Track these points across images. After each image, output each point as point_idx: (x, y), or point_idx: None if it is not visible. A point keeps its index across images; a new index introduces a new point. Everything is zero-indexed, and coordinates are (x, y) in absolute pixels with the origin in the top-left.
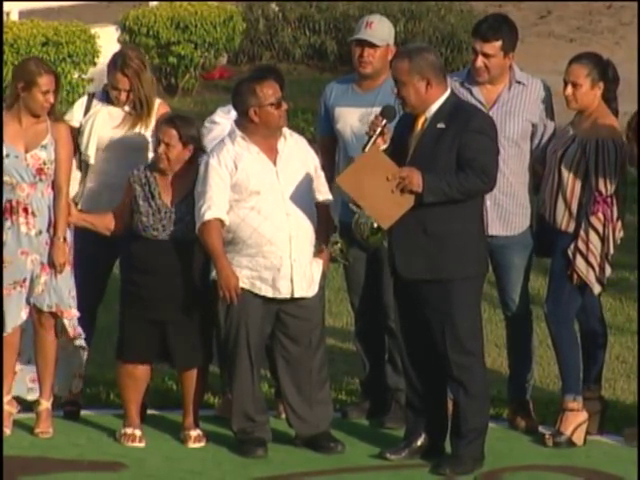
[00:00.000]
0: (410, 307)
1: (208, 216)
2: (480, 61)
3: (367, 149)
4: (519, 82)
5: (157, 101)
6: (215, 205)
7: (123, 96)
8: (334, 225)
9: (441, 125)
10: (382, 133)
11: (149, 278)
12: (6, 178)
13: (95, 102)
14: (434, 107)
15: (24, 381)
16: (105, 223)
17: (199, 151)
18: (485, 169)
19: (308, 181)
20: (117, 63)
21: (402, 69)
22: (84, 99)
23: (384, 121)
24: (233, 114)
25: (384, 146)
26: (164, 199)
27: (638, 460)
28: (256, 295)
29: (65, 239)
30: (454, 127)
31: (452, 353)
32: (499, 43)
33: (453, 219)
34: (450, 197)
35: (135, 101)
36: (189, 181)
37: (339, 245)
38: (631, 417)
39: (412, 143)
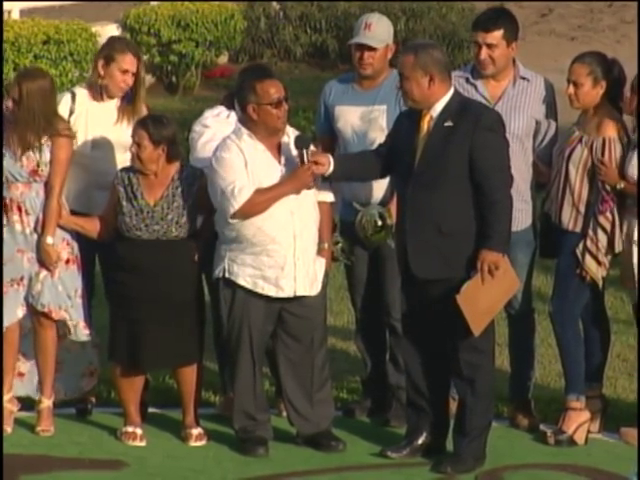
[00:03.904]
0: (418, 306)
1: (244, 197)
2: (484, 53)
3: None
4: (524, 78)
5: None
6: (245, 187)
7: (130, 79)
8: (335, 224)
9: (449, 123)
10: (309, 161)
11: (134, 278)
12: None
13: (81, 100)
14: (439, 105)
15: (33, 382)
16: (95, 227)
17: (177, 151)
18: (499, 180)
19: None
20: (127, 46)
21: (407, 63)
22: (67, 98)
23: (303, 150)
24: (223, 116)
25: (330, 169)
26: (146, 199)
27: (638, 459)
28: (259, 294)
29: (65, 239)
30: (463, 125)
31: (463, 351)
32: (500, 32)
33: (468, 219)
34: (508, 227)
35: (132, 87)
36: (170, 180)
37: (340, 244)
38: (632, 415)
39: (419, 144)
